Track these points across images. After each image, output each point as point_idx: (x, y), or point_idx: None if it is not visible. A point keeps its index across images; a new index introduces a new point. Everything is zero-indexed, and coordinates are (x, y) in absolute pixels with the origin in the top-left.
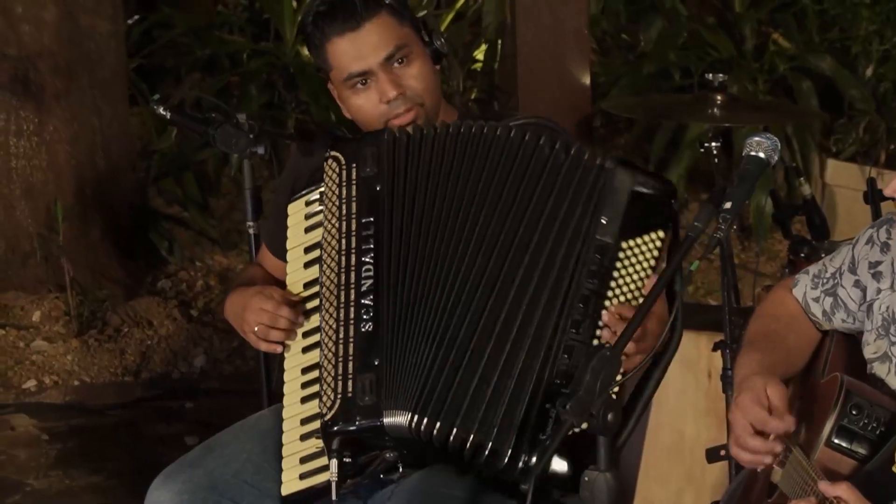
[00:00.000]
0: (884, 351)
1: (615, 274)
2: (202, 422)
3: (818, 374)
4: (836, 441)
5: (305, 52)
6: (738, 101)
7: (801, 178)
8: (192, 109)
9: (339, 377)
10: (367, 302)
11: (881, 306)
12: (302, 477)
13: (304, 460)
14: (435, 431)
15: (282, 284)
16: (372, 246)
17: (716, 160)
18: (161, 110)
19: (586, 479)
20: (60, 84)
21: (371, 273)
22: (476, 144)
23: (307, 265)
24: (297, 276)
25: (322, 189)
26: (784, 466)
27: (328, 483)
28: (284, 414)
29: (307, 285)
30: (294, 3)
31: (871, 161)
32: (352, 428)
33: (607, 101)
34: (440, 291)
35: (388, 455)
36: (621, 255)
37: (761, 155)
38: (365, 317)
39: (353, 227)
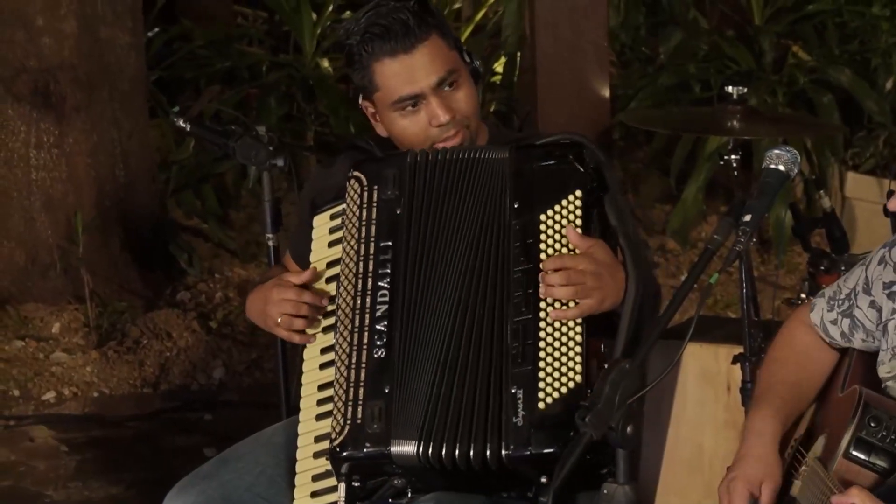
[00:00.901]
0: None
1: (542, 246)
2: (221, 434)
3: (837, 389)
4: (855, 453)
5: (325, 64)
6: (757, 113)
7: (821, 191)
8: (211, 122)
9: (350, 402)
10: (380, 328)
11: None
12: (313, 495)
13: (315, 478)
14: (443, 455)
15: None
16: (389, 271)
17: (735, 173)
18: (180, 122)
19: (605, 491)
20: (80, 96)
21: (386, 298)
22: (470, 168)
23: (329, 280)
24: (319, 289)
25: (344, 206)
26: (803, 479)
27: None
28: (299, 429)
29: (329, 300)
30: (314, 16)
31: (890, 174)
32: (359, 455)
33: (626, 113)
34: (443, 317)
35: (396, 482)
36: (542, 227)
37: (781, 168)
38: (378, 343)
39: (372, 250)
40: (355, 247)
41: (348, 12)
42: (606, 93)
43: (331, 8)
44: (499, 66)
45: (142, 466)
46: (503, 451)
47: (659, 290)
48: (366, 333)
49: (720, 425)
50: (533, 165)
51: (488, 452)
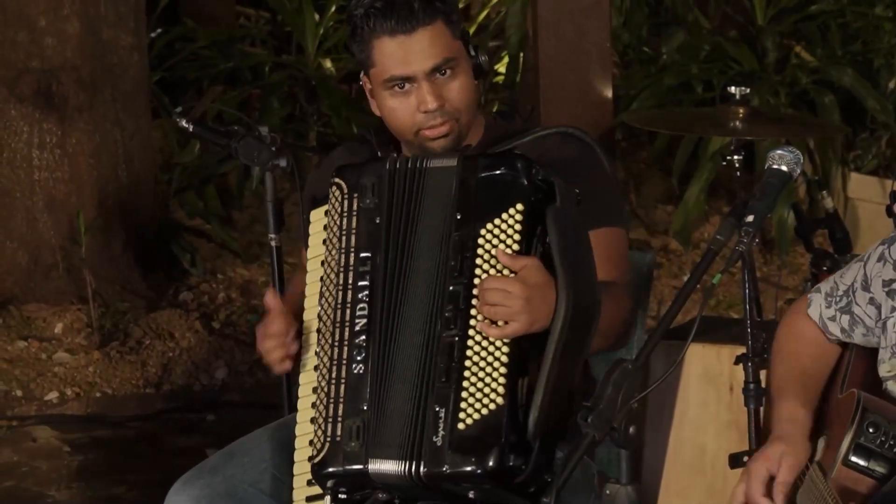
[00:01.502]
0: None
1: (478, 261)
2: (223, 434)
3: (837, 388)
4: (854, 460)
5: (327, 64)
6: (759, 114)
7: (824, 192)
8: (213, 122)
9: (329, 419)
10: (359, 342)
11: (895, 325)
12: (308, 500)
13: (310, 483)
14: (423, 475)
15: None
16: (367, 283)
17: (737, 173)
18: (183, 123)
19: (608, 492)
20: (83, 97)
21: (365, 312)
22: (429, 176)
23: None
24: (313, 287)
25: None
26: (803, 483)
27: None
28: (296, 430)
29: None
30: (316, 16)
31: (893, 174)
32: (339, 472)
33: (629, 114)
34: (412, 332)
35: (380, 495)
36: (481, 240)
37: (784, 168)
38: (358, 358)
39: (352, 261)
40: (336, 257)
41: None
42: (609, 93)
43: (333, 8)
44: (501, 67)
45: (144, 467)
46: (422, 469)
47: (595, 306)
48: (345, 348)
49: (723, 426)
50: (478, 175)
51: (412, 470)
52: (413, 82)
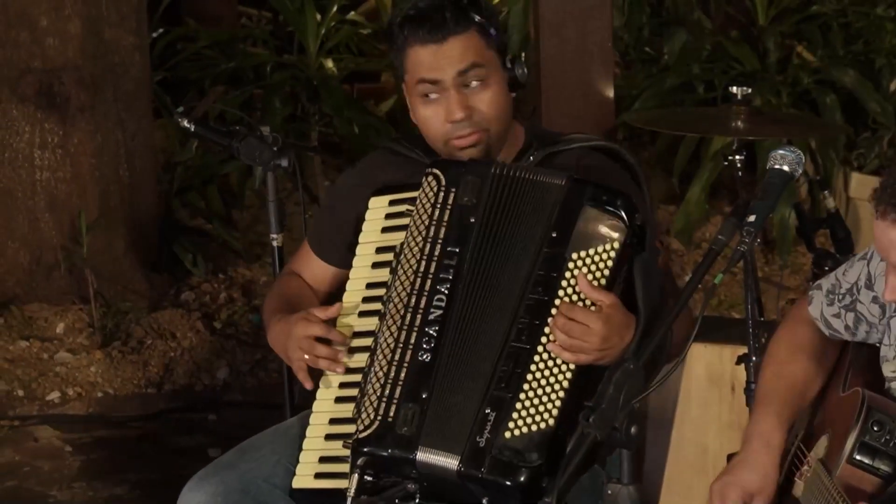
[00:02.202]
0: None
1: (563, 283)
2: (225, 434)
3: (839, 386)
4: (859, 458)
5: (329, 64)
6: (761, 114)
7: (826, 192)
8: (215, 122)
9: (384, 399)
10: (430, 332)
11: None
12: (317, 476)
13: (323, 460)
14: (459, 471)
15: (326, 295)
16: (451, 276)
17: (739, 173)
18: (185, 123)
19: (609, 492)
20: (85, 97)
21: (442, 304)
22: (530, 189)
23: (375, 265)
24: (362, 272)
25: (414, 197)
26: (805, 481)
27: (341, 490)
28: (315, 407)
29: (370, 286)
30: (318, 16)
31: None
32: (383, 453)
33: (630, 114)
34: (489, 334)
35: (410, 486)
36: (571, 264)
37: (785, 168)
38: (425, 346)
39: (437, 251)
40: (420, 244)
41: (353, 13)
42: (611, 93)
43: (335, 8)
44: None
45: (146, 467)
46: (460, 466)
47: (662, 351)
48: (414, 333)
49: (724, 426)
50: (583, 202)
51: (447, 463)
52: (442, 90)
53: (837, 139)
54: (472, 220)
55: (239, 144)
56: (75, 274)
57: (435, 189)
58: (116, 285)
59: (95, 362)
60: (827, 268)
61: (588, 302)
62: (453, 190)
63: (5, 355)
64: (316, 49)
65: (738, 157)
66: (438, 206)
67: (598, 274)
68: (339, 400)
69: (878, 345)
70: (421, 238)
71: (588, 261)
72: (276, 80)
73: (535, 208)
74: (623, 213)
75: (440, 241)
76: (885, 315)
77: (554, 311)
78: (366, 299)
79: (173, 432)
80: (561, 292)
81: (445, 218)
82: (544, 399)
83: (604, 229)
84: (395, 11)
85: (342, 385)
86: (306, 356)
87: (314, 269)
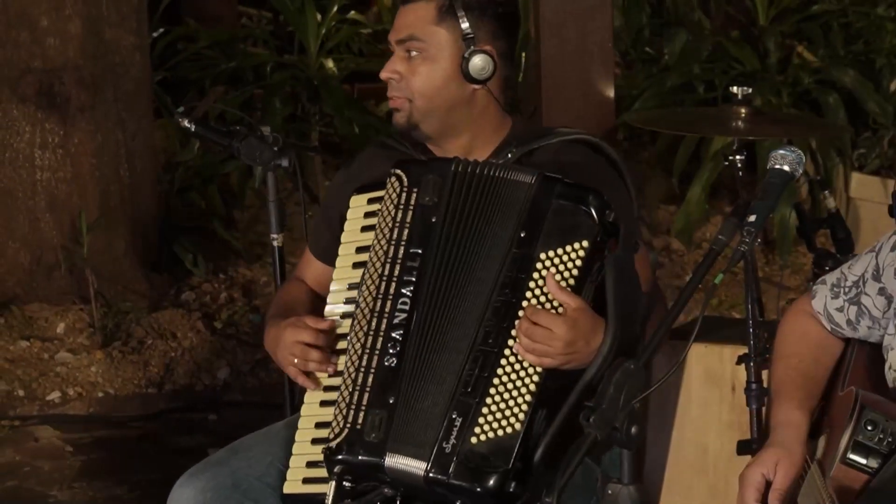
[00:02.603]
0: None
1: (531, 284)
2: (225, 434)
3: (838, 386)
4: (852, 457)
5: (329, 64)
6: (762, 114)
7: (826, 192)
8: (216, 122)
9: (353, 406)
10: (395, 336)
11: None
12: (305, 481)
13: (310, 465)
14: (427, 477)
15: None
16: (414, 279)
17: (739, 173)
18: (185, 123)
19: (610, 492)
20: (85, 97)
21: (406, 307)
22: (498, 186)
23: (356, 266)
24: (344, 272)
25: (383, 195)
26: (804, 482)
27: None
28: (302, 411)
29: (352, 286)
30: (318, 16)
31: (895, 174)
32: (355, 460)
33: (631, 114)
34: (454, 337)
35: (387, 490)
36: (540, 265)
37: (786, 168)
38: (391, 350)
39: (401, 254)
40: (385, 247)
41: (353, 12)
42: (611, 93)
43: (335, 8)
44: None
45: (146, 467)
46: (428, 472)
47: (636, 348)
48: (380, 339)
49: (725, 426)
50: (552, 200)
51: (414, 469)
52: (391, 48)
53: (838, 139)
54: (434, 219)
55: (239, 144)
56: (76, 274)
57: (398, 190)
58: (117, 285)
59: (96, 362)
60: (827, 268)
61: (556, 303)
62: (415, 190)
63: (6, 355)
64: (316, 49)
65: (738, 157)
66: (401, 207)
67: (566, 273)
68: (324, 404)
69: (880, 338)
70: (385, 241)
71: (556, 260)
72: (277, 80)
73: (502, 207)
74: (593, 211)
75: (403, 242)
76: (889, 307)
77: (521, 313)
78: (348, 300)
79: (174, 432)
80: (529, 293)
81: (408, 219)
82: (511, 403)
83: (573, 228)
84: None
85: (326, 388)
86: (296, 360)
87: (315, 271)
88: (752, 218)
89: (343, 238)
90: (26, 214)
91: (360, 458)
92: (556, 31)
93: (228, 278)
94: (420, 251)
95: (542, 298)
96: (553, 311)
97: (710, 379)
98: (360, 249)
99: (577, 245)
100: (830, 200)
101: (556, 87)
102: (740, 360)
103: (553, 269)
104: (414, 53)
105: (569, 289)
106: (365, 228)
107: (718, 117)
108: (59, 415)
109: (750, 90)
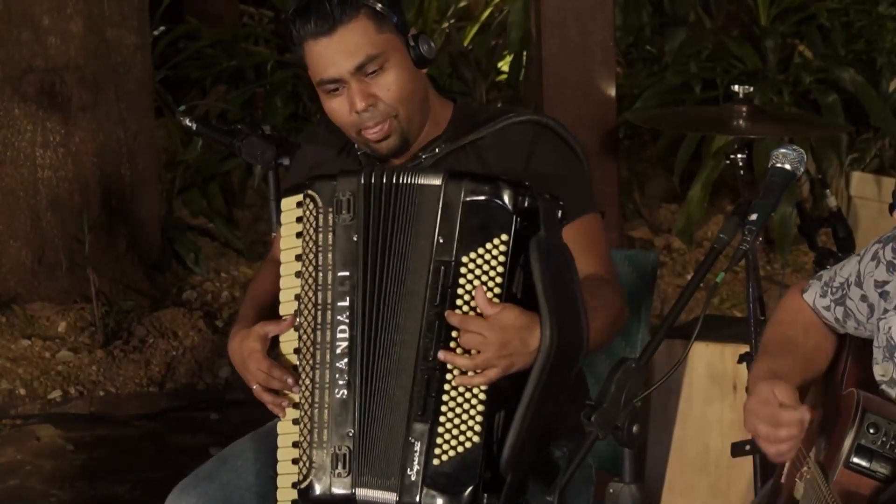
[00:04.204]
0: (890, 375)
1: (460, 291)
2: (227, 433)
3: (837, 386)
4: (856, 461)
5: None
6: (762, 113)
7: (827, 191)
8: (217, 121)
9: (314, 444)
10: (340, 366)
11: (886, 327)
12: (293, 503)
13: (295, 485)
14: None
15: None
16: (347, 304)
17: (740, 172)
18: (186, 122)
19: (611, 490)
20: (87, 96)
21: (346, 334)
22: (411, 194)
23: (298, 275)
24: (289, 282)
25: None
26: (805, 483)
27: None
28: (278, 429)
29: (297, 297)
30: None
31: None
32: (327, 497)
33: (632, 113)
34: (400, 358)
35: None
36: (464, 269)
37: (787, 167)
38: (340, 382)
39: (329, 279)
40: (314, 273)
41: None
42: (612, 92)
43: None
44: (504, 66)
45: (148, 466)
46: (395, 500)
47: (580, 340)
48: (327, 371)
49: (726, 425)
50: (461, 199)
51: (385, 499)
52: (343, 83)
53: (838, 138)
54: (355, 237)
55: (241, 143)
56: (77, 273)
57: (314, 213)
58: (118, 284)
59: (97, 361)
60: (828, 266)
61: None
62: (331, 210)
63: (7, 354)
64: None
65: (739, 155)
66: (321, 229)
67: (492, 273)
68: (295, 422)
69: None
70: (313, 267)
71: (480, 261)
72: (278, 79)
73: (418, 214)
74: (506, 200)
75: (330, 267)
76: (873, 315)
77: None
78: (297, 312)
79: (175, 431)
80: (459, 301)
81: (330, 241)
82: (465, 418)
83: (488, 223)
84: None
85: (294, 406)
86: (261, 384)
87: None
88: (754, 217)
89: (281, 245)
90: (28, 213)
91: (332, 492)
92: (557, 29)
93: (230, 277)
94: (347, 273)
95: (474, 304)
96: (480, 316)
97: (711, 378)
98: (299, 257)
99: (496, 241)
100: (832, 199)
101: (558, 85)
102: (742, 358)
103: (478, 272)
104: (373, 70)
105: (498, 287)
106: (300, 234)
107: (719, 116)
108: (60, 414)
109: (751, 89)
